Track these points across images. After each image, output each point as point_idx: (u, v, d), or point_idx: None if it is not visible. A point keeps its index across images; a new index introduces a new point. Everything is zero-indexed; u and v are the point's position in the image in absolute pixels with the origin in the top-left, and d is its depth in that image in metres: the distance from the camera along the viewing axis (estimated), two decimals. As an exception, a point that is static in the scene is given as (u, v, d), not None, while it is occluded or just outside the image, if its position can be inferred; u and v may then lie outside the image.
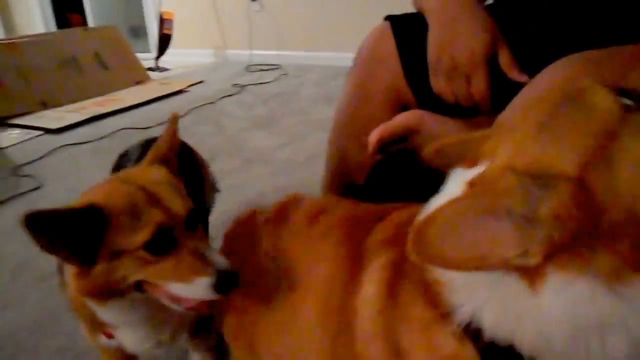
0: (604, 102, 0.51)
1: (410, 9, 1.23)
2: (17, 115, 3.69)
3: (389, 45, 1.22)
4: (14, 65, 3.93)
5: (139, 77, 4.69)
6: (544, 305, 0.51)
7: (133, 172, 0.91)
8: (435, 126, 1.09)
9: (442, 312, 0.59)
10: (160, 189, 0.83)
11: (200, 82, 4.59)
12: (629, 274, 0.48)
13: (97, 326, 0.95)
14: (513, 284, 0.52)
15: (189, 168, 1.28)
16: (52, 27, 7.13)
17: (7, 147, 3.13)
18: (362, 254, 0.78)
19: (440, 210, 0.51)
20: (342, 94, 1.34)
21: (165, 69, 5.38)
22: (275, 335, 0.91)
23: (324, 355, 0.82)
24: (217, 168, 1.70)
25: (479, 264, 0.51)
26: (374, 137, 1.10)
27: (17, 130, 3.47)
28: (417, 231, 0.51)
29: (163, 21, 5.37)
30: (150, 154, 0.95)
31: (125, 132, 3.23)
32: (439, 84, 1.10)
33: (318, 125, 3.12)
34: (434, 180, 0.65)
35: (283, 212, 1.00)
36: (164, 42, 5.43)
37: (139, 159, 1.05)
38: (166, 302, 0.85)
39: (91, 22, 6.90)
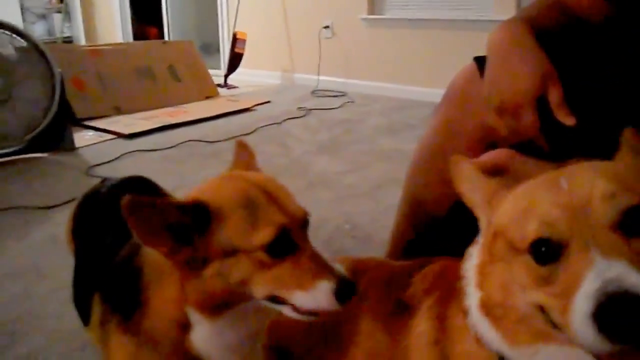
0: None
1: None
2: (93, 118, 3.84)
3: (480, 85, 1.21)
4: (95, 70, 4.11)
5: (209, 92, 4.82)
6: None
7: (243, 172, 0.86)
8: (526, 167, 1.05)
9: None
10: (278, 189, 0.79)
11: (267, 102, 4.67)
12: None
13: None
14: None
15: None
16: (130, 37, 7.45)
17: (81, 147, 3.26)
18: (405, 304, 0.92)
19: None
20: (428, 129, 1.32)
21: (233, 87, 5.50)
22: None
23: None
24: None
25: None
26: None
27: (91, 132, 3.61)
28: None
29: (236, 40, 5.52)
30: (233, 166, 0.92)
31: (192, 144, 3.31)
32: (491, 118, 1.10)
33: (382, 155, 3.11)
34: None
35: None
36: (235, 60, 5.58)
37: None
38: (287, 311, 0.78)
39: (167, 36, 7.17)
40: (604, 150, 0.73)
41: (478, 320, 0.72)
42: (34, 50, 3.02)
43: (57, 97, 3.06)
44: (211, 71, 5.18)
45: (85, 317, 1.04)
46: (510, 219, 0.66)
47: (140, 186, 1.25)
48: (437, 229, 1.29)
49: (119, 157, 3.05)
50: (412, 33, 4.83)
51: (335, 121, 4.00)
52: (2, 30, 2.93)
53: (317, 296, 0.74)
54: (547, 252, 0.59)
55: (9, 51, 2.96)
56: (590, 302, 0.50)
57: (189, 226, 0.73)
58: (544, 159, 1.05)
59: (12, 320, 1.51)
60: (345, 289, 0.74)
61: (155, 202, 0.72)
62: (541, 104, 1.01)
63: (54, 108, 3.05)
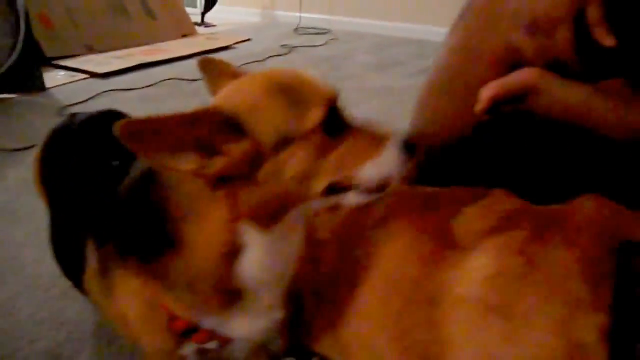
0: None
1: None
2: (64, 57, 3.61)
3: None
4: (64, 7, 3.83)
5: (186, 30, 4.58)
6: None
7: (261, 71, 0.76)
8: (559, 88, 0.96)
9: None
10: (304, 73, 0.72)
11: (248, 40, 4.46)
12: None
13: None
14: None
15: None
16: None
17: (52, 88, 3.06)
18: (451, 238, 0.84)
19: None
20: (444, 49, 1.20)
21: (211, 25, 5.25)
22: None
23: (391, 322, 0.86)
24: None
25: None
26: (487, 93, 0.97)
27: (62, 72, 3.39)
28: None
29: (213, -24, 5.23)
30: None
31: (172, 83, 3.14)
32: (519, 37, 0.99)
33: (372, 93, 2.99)
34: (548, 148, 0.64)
35: None
36: (212, -3, 5.30)
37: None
38: (352, 198, 0.71)
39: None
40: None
41: None
42: (-6, -18, 2.78)
43: (22, 34, 2.83)
44: (187, 9, 4.91)
45: (72, 271, 0.94)
46: None
47: (116, 120, 1.12)
48: (444, 160, 1.19)
49: (93, 97, 2.86)
50: (398, -35, 4.61)
51: (321, 59, 3.84)
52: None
53: (387, 161, 0.69)
54: None
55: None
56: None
57: (215, 135, 0.64)
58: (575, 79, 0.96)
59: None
60: (409, 146, 0.70)
61: (166, 120, 0.60)
62: (577, 22, 0.90)
63: (19, 46, 2.83)
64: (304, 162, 0.66)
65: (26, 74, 2.94)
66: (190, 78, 3.16)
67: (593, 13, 0.88)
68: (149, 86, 3.06)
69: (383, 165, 0.69)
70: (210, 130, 0.62)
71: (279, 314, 0.79)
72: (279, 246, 0.72)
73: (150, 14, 4.38)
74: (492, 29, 1.08)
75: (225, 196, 0.66)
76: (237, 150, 0.64)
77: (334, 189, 0.69)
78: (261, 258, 0.70)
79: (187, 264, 0.70)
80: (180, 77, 3.22)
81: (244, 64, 3.56)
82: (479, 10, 1.12)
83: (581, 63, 0.93)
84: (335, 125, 0.68)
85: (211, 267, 0.69)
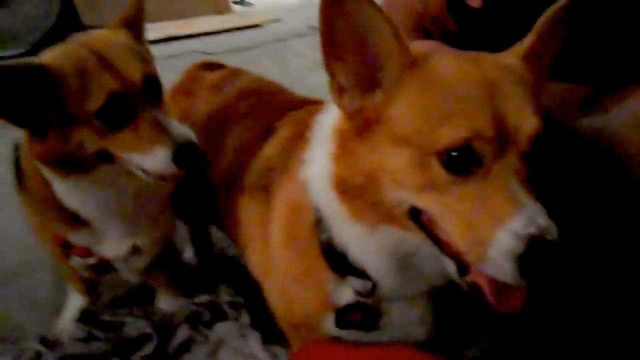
0: None
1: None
2: (100, 27, 3.84)
3: None
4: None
5: (220, 7, 4.76)
6: None
7: (92, 35, 0.85)
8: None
9: None
10: (115, 52, 0.77)
11: (277, 20, 4.60)
12: None
13: (66, 242, 0.91)
14: None
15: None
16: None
17: (85, 53, 3.29)
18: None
19: None
20: None
21: (249, 4, 5.42)
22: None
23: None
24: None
25: None
26: None
27: (97, 40, 3.62)
28: None
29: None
30: (115, 18, 0.91)
31: (194, 55, 3.32)
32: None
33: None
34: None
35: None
36: (252, -24, 5.46)
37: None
38: (136, 171, 0.80)
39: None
40: (509, 36, 0.70)
41: (320, 187, 0.69)
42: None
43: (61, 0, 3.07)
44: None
45: None
46: (417, 114, 0.59)
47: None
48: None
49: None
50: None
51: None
52: None
53: (154, 160, 0.75)
54: (463, 162, 0.55)
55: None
56: (520, 243, 0.52)
57: (32, 91, 0.74)
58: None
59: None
60: (184, 154, 0.75)
61: None
62: None
63: (56, 9, 3.06)
64: (85, 138, 0.75)
65: (63, 38, 3.16)
66: (211, 52, 3.33)
67: None
68: (170, 57, 3.25)
69: (149, 161, 0.75)
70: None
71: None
72: (90, 190, 0.84)
73: (186, -11, 4.58)
74: None
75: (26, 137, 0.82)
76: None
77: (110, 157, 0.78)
78: (67, 193, 0.84)
79: (27, 182, 0.89)
80: (202, 50, 3.40)
81: (268, 42, 3.72)
82: None
83: (456, 23, 1.03)
84: (115, 115, 0.74)
85: (38, 185, 0.86)
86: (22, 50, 3.02)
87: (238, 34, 4.04)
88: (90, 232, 0.89)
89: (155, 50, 3.62)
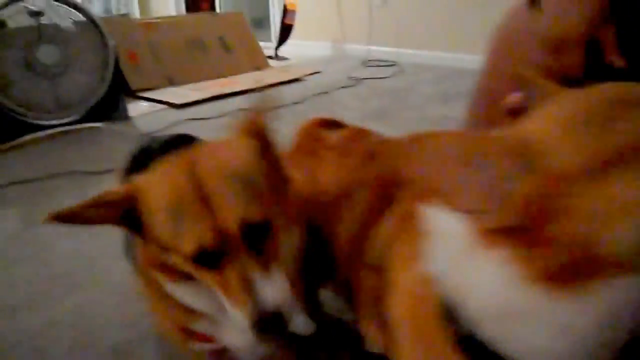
0: None
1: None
2: (147, 89, 3.93)
3: (527, 21, 1.16)
4: (148, 43, 4.19)
5: (259, 63, 4.84)
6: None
7: (203, 155, 0.75)
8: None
9: None
10: (220, 189, 0.68)
11: (318, 72, 4.64)
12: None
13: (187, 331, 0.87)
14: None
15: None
16: (182, 11, 7.56)
17: (135, 117, 3.35)
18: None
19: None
20: (480, 74, 1.29)
21: (284, 58, 5.50)
22: None
23: None
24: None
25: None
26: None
27: (144, 103, 3.70)
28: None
29: (286, 11, 5.49)
30: (242, 124, 0.84)
31: (240, 113, 3.33)
32: (536, 58, 1.04)
33: (432, 122, 3.04)
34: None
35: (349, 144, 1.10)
36: (285, 32, 5.56)
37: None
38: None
39: (219, 10, 7.22)
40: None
41: None
42: (90, 23, 3.11)
43: (111, 67, 3.15)
44: (262, 44, 5.18)
45: None
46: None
47: (189, 142, 1.25)
48: None
49: (171, 124, 3.11)
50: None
51: (385, 90, 3.94)
52: (62, 5, 3.03)
53: (231, 323, 0.72)
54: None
55: (68, 24, 3.07)
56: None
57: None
58: None
59: (67, 273, 1.59)
60: (264, 325, 0.67)
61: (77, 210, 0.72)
62: (588, 45, 0.96)
63: (108, 78, 3.13)
64: (177, 263, 0.72)
65: (113, 105, 3.24)
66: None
67: (607, 37, 0.94)
68: (220, 116, 3.27)
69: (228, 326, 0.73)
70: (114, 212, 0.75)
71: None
72: (194, 297, 0.81)
73: (225, 47, 4.68)
74: (514, 51, 1.15)
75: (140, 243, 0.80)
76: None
77: None
78: (176, 293, 0.81)
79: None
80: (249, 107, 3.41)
81: (313, 95, 3.73)
82: (504, 36, 1.20)
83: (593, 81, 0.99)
84: (207, 260, 0.69)
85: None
86: (77, 117, 3.07)
87: (281, 89, 4.06)
88: (210, 321, 0.84)
89: (202, 111, 3.73)
